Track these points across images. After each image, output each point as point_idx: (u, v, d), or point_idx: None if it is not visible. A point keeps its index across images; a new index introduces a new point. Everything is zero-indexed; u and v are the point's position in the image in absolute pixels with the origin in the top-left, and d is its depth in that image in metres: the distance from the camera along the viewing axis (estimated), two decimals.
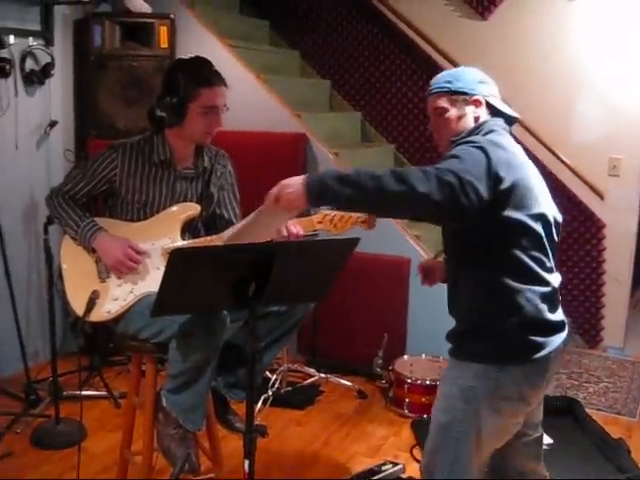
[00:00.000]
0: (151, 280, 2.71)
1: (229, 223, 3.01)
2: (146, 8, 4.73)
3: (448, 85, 2.37)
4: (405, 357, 4.41)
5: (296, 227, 2.71)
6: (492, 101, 2.38)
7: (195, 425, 2.68)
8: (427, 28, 5.45)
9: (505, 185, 2.12)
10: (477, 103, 2.36)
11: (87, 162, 2.95)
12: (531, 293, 2.22)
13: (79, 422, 3.33)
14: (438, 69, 5.39)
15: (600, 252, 5.26)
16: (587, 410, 4.12)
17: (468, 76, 2.39)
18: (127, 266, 2.76)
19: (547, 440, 3.59)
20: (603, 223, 5.23)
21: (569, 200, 5.29)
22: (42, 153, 4.59)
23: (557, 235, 2.35)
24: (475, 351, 2.27)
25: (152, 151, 2.87)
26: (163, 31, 4.69)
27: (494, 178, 2.10)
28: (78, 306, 2.71)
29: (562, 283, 2.41)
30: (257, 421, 3.80)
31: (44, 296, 4.48)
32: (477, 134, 2.29)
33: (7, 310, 4.13)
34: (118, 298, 2.74)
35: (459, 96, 2.35)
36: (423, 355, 4.41)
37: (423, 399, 4.08)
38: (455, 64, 5.30)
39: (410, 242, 4.52)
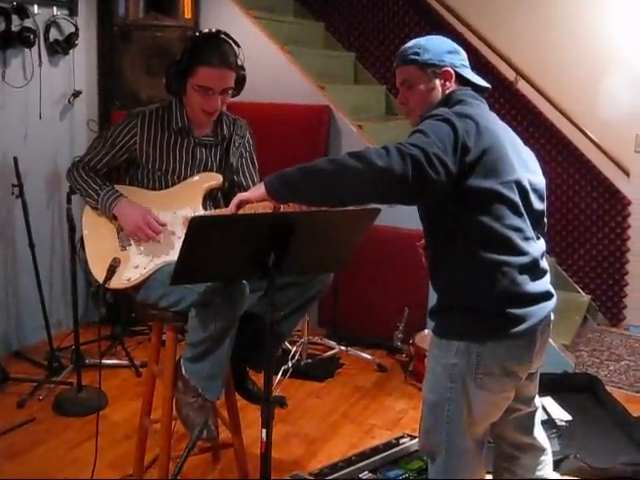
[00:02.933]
0: (172, 249, 2.71)
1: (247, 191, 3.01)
2: None
3: (416, 57, 2.30)
4: (426, 331, 4.39)
5: None
6: (462, 72, 2.32)
7: (214, 394, 2.70)
8: (454, 1, 5.39)
9: (473, 155, 2.07)
10: (447, 74, 2.30)
11: (107, 132, 2.95)
12: (507, 266, 2.14)
13: (100, 390, 3.35)
14: (464, 42, 5.33)
15: (625, 230, 5.21)
16: (608, 388, 4.09)
17: (437, 46, 2.32)
18: (146, 233, 2.76)
19: (566, 417, 3.59)
20: (628, 200, 5.18)
21: (594, 177, 5.24)
22: (66, 123, 4.61)
23: (540, 201, 2.29)
24: (454, 328, 2.22)
25: (171, 118, 2.87)
26: (187, 2, 4.68)
27: (461, 149, 2.05)
28: (99, 274, 2.72)
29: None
30: (277, 392, 3.84)
31: (67, 265, 4.54)
32: (445, 106, 2.24)
33: (31, 279, 4.16)
34: (139, 266, 2.75)
35: (428, 68, 2.29)
36: None
37: None
38: (482, 38, 5.26)
39: None
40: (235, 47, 2.82)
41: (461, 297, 2.21)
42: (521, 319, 2.16)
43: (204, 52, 2.73)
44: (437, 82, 2.30)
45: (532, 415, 2.46)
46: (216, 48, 2.75)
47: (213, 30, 2.85)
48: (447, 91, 2.30)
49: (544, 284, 2.26)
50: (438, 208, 2.19)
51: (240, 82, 2.88)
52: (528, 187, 2.21)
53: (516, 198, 2.16)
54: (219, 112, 2.87)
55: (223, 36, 2.82)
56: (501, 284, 2.14)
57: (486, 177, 2.11)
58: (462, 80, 2.33)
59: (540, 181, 2.31)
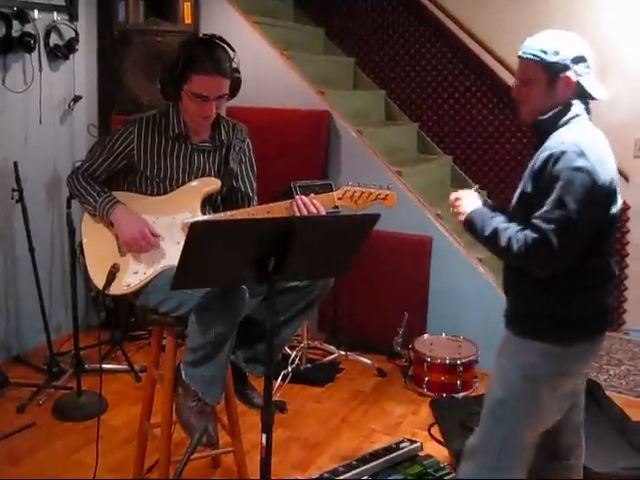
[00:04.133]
0: (171, 254, 2.71)
1: (245, 196, 3.01)
2: None
3: (542, 55, 2.23)
4: (425, 336, 4.41)
5: (315, 205, 2.72)
6: (583, 82, 2.24)
7: (214, 398, 2.70)
8: (453, 6, 5.39)
9: (602, 193, 2.17)
10: (568, 81, 2.23)
11: (105, 138, 2.95)
12: (602, 289, 2.30)
13: (100, 395, 3.36)
14: (464, 47, 5.36)
15: (624, 234, 5.21)
16: (607, 392, 4.09)
17: (566, 49, 2.23)
18: (141, 246, 2.76)
19: None
20: (627, 205, 5.17)
21: None
22: (66, 128, 4.62)
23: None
24: (543, 331, 2.27)
25: (167, 125, 2.86)
26: (187, 7, 4.68)
27: (598, 194, 2.14)
28: (99, 280, 2.72)
29: None
30: (276, 397, 3.84)
31: (67, 270, 4.54)
32: (561, 115, 2.24)
33: (30, 283, 4.16)
34: (138, 272, 2.75)
35: (550, 70, 2.23)
36: (443, 334, 4.40)
37: (442, 378, 4.09)
38: (481, 43, 5.26)
39: (432, 220, 4.50)
40: (230, 52, 2.82)
41: (556, 307, 2.26)
42: (605, 327, 2.33)
43: (198, 60, 2.72)
44: (556, 87, 2.25)
45: (580, 412, 2.53)
46: (210, 55, 2.73)
47: (207, 35, 2.85)
48: (565, 99, 2.26)
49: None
50: None
51: (235, 86, 2.87)
52: (619, 214, 2.30)
53: (615, 225, 2.30)
54: (215, 116, 2.88)
55: (217, 41, 2.82)
56: (598, 301, 2.30)
57: (606, 207, 2.21)
58: (581, 90, 2.26)
59: (620, 206, 2.34)
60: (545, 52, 2.23)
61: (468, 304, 4.40)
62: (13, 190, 3.99)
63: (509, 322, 2.39)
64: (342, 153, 4.67)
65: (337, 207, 2.89)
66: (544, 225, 2.12)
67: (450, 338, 4.37)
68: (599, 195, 2.15)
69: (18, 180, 4.00)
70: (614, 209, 2.23)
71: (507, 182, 5.41)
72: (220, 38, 2.83)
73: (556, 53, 2.23)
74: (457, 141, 5.65)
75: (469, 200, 2.43)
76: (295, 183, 3.58)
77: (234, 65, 2.82)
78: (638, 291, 5.22)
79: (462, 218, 2.39)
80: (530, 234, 2.15)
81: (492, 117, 5.48)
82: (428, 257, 4.49)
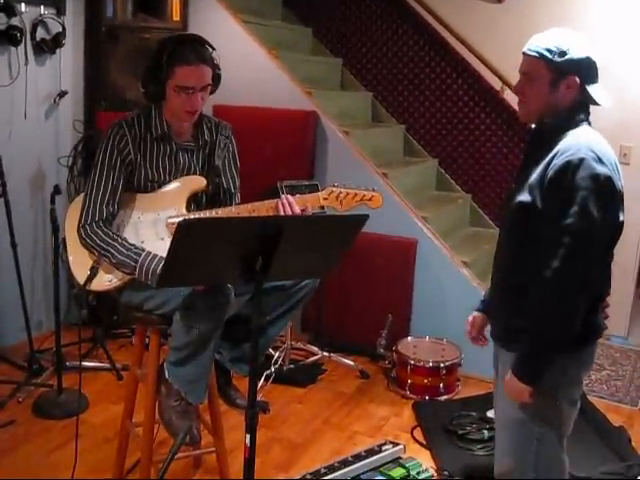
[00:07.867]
0: (155, 250, 2.66)
1: (227, 192, 2.98)
2: None
3: (548, 55, 2.19)
4: (409, 338, 4.41)
5: (301, 205, 2.71)
6: (587, 86, 2.22)
7: (197, 398, 2.68)
8: (441, 9, 5.39)
9: (619, 198, 2.18)
10: (570, 83, 2.19)
11: (96, 166, 2.75)
12: (603, 293, 2.29)
13: (80, 393, 3.32)
14: (451, 51, 5.37)
15: None
16: (589, 398, 4.11)
17: (573, 51, 2.19)
18: None
19: None
20: None
21: None
22: (51, 123, 4.58)
23: None
24: None
25: (149, 125, 2.80)
26: (175, 4, 4.68)
27: (617, 199, 2.16)
28: (81, 275, 2.69)
29: None
30: (259, 397, 3.82)
31: (49, 266, 4.50)
32: (569, 121, 2.22)
33: (12, 280, 4.12)
34: None
35: (556, 70, 2.19)
36: (427, 337, 4.41)
37: (425, 381, 4.09)
38: (469, 47, 5.26)
39: (418, 223, 4.50)
40: (210, 49, 2.77)
41: None
42: (599, 328, 2.30)
43: (179, 52, 2.68)
44: (560, 86, 2.21)
45: None
46: (191, 46, 2.70)
47: (186, 34, 2.82)
48: (568, 101, 2.22)
49: None
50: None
51: (216, 82, 2.83)
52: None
53: (621, 231, 2.28)
54: (199, 112, 2.85)
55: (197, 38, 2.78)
56: (596, 303, 2.26)
57: (619, 213, 2.21)
58: (584, 93, 2.23)
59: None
60: (551, 52, 2.19)
61: (452, 307, 4.40)
62: None
63: (512, 342, 2.29)
64: (328, 153, 4.66)
65: (323, 207, 2.88)
66: (569, 239, 2.07)
67: (434, 341, 4.38)
68: (618, 200, 2.15)
69: (1, 175, 3.96)
70: (622, 216, 2.21)
71: (492, 185, 5.43)
72: (200, 37, 2.81)
73: (562, 54, 2.18)
74: (443, 144, 5.66)
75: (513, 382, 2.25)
76: (282, 182, 3.58)
77: (215, 62, 2.80)
78: (620, 298, 5.24)
79: (532, 385, 2.20)
80: (554, 267, 2.09)
81: (478, 120, 5.49)
82: (413, 259, 4.49)
